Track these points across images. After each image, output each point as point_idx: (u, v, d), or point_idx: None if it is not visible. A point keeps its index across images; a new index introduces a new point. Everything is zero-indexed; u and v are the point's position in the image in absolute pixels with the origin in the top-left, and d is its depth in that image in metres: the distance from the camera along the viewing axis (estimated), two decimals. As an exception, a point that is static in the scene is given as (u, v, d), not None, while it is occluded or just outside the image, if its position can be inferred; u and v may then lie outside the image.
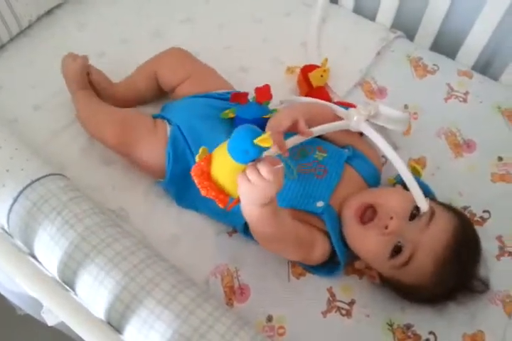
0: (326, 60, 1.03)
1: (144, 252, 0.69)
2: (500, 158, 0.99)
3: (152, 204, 0.85)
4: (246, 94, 0.88)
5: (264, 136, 0.54)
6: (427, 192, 0.83)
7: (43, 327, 0.71)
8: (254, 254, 0.81)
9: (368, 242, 0.75)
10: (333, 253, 0.79)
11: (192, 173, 0.61)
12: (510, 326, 0.79)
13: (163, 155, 0.82)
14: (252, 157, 0.57)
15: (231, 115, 0.84)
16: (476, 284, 0.79)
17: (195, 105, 0.89)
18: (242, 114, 0.83)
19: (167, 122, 0.87)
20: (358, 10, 1.21)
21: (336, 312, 0.78)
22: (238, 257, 0.81)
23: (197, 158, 0.61)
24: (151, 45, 1.05)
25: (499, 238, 0.89)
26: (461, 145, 1.01)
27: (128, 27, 1.11)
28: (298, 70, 1.04)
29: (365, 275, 0.82)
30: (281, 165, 0.59)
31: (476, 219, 0.90)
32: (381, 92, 1.07)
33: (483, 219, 0.91)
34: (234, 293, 0.77)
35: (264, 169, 0.58)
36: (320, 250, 0.77)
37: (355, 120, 0.85)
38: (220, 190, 0.61)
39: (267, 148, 0.55)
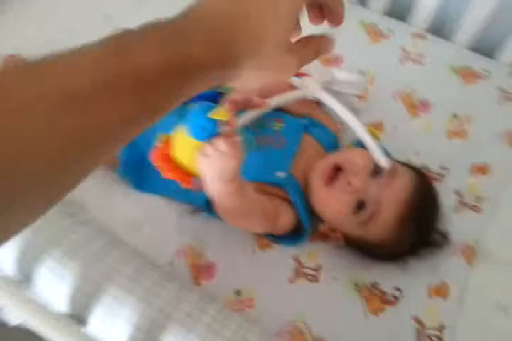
0: None
1: (101, 240, 0.65)
2: (455, 115, 0.96)
3: (109, 191, 0.80)
4: None
5: (219, 109, 0.52)
6: (385, 154, 0.79)
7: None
8: (218, 231, 0.78)
9: (333, 201, 0.73)
10: (297, 222, 0.75)
11: (152, 158, 0.57)
12: (470, 274, 0.78)
13: None
14: (210, 132, 0.53)
15: None
16: (437, 238, 0.78)
17: None
18: None
19: None
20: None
21: (303, 278, 0.76)
22: (202, 236, 0.77)
23: (157, 144, 0.57)
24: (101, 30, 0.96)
25: (457, 192, 0.87)
26: (417, 106, 0.98)
27: (73, 12, 1.00)
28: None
29: (328, 240, 0.79)
30: (238, 137, 0.56)
31: (434, 175, 0.89)
32: (337, 60, 1.03)
33: (441, 175, 0.89)
34: (200, 271, 0.74)
35: (219, 142, 0.54)
36: (285, 219, 0.75)
37: (311, 88, 0.80)
38: (184, 171, 0.58)
39: (224, 122, 0.52)
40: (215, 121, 0.51)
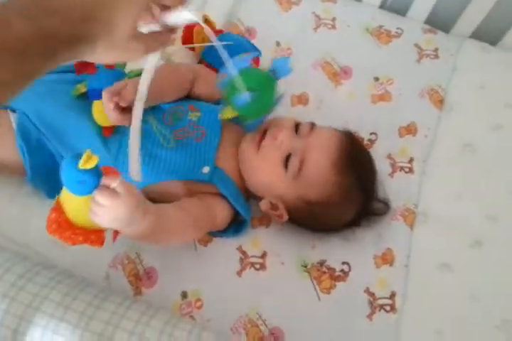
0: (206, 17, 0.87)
1: (22, 265, 0.58)
2: (376, 79, 0.96)
3: (23, 206, 0.71)
4: (92, 63, 0.73)
5: (83, 157, 0.46)
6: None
7: None
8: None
9: (264, 163, 0.71)
10: (235, 213, 0.72)
11: (48, 231, 0.52)
12: (413, 237, 0.79)
13: (13, 148, 0.68)
14: (88, 185, 0.48)
15: (83, 90, 0.70)
16: (377, 207, 0.78)
17: (41, 85, 0.71)
18: (94, 84, 0.69)
19: (10, 111, 0.71)
20: None
21: (250, 268, 0.73)
22: (137, 241, 0.71)
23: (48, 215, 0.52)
24: None
25: (389, 156, 0.87)
26: (339, 73, 0.95)
27: None
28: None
29: (272, 223, 0.77)
30: (117, 181, 0.49)
31: (365, 142, 0.88)
32: (250, 33, 0.98)
33: (372, 141, 0.88)
34: (140, 279, 0.68)
35: (98, 197, 0.49)
36: (222, 216, 0.70)
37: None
38: (87, 232, 0.52)
39: (95, 168, 0.46)
40: (86, 172, 0.46)
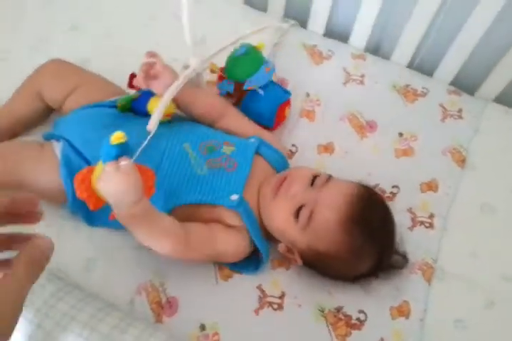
0: None
1: (54, 284, 0.63)
2: (400, 134, 1.03)
3: (57, 230, 0.78)
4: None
5: (115, 134, 0.60)
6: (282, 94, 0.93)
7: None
8: (177, 264, 0.77)
9: (277, 210, 0.76)
10: (256, 250, 0.77)
11: (75, 178, 0.64)
12: (430, 292, 0.83)
13: (56, 177, 0.75)
14: (109, 156, 0.62)
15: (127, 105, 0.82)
16: (396, 259, 0.81)
17: (87, 116, 0.82)
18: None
19: (55, 140, 0.80)
20: (248, 1, 1.19)
21: (268, 307, 0.77)
22: (161, 269, 0.77)
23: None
24: (32, 59, 0.95)
25: (410, 210, 0.92)
26: (365, 127, 1.03)
27: (3, 41, 1.01)
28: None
29: (291, 265, 0.82)
30: (127, 161, 0.62)
31: (386, 195, 0.93)
32: (282, 82, 1.07)
33: (393, 194, 0.94)
34: (162, 307, 0.73)
35: (107, 165, 0.61)
36: (235, 248, 0.76)
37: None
38: (94, 194, 0.64)
39: (124, 143, 0.61)
40: (116, 146, 0.60)
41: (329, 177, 0.79)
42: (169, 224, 0.70)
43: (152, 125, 0.72)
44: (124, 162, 0.61)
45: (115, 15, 1.10)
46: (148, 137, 0.69)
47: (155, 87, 0.79)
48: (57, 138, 0.80)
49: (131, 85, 0.85)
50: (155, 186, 0.67)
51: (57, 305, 0.59)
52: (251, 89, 0.90)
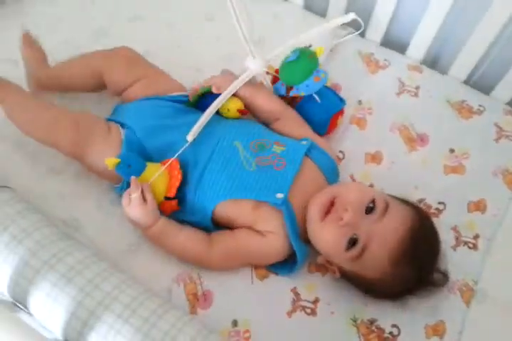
0: None
1: (99, 265, 0.66)
2: (452, 150, 1.02)
3: (106, 213, 0.82)
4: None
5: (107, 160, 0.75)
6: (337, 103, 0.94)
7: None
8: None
9: (325, 235, 0.76)
10: (293, 253, 0.79)
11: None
12: (468, 314, 0.82)
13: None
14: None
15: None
16: (436, 277, 0.81)
17: (150, 107, 0.86)
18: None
19: (120, 126, 0.84)
20: (308, 6, 1.20)
21: (300, 311, 0.78)
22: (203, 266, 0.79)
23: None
24: (97, 45, 1.00)
25: (454, 228, 0.91)
26: (415, 140, 1.02)
27: (71, 27, 1.06)
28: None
29: (327, 272, 0.82)
30: (136, 194, 0.74)
31: (431, 211, 0.93)
32: (335, 88, 1.07)
33: (439, 211, 0.93)
34: (197, 299, 0.75)
35: (123, 197, 0.76)
36: (269, 251, 0.78)
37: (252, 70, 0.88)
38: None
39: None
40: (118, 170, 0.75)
41: (386, 207, 0.76)
42: (184, 239, 0.78)
43: (191, 136, 0.78)
44: (134, 195, 0.73)
45: (177, 8, 1.14)
46: (185, 146, 0.77)
47: (213, 82, 0.86)
48: (121, 124, 0.84)
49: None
50: (181, 173, 0.76)
51: (100, 285, 0.62)
52: (303, 95, 0.92)
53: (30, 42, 0.91)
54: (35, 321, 0.64)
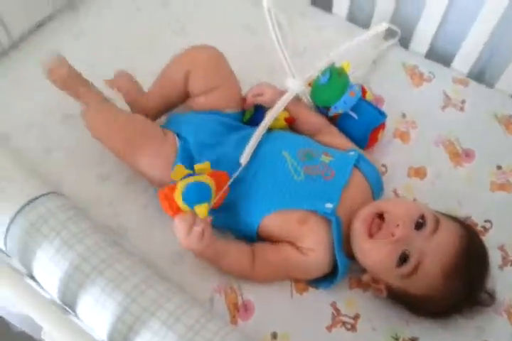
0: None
1: (145, 272, 0.69)
2: (499, 167, 1.01)
3: (152, 220, 0.85)
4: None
5: (202, 206, 0.73)
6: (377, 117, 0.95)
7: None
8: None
9: (375, 252, 0.76)
10: (334, 263, 0.80)
11: (158, 195, 0.75)
12: (515, 337, 0.80)
13: (168, 167, 0.80)
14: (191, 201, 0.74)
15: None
16: (483, 297, 0.80)
17: (210, 123, 0.88)
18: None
19: (176, 135, 0.87)
20: (351, 18, 1.22)
21: (341, 326, 0.78)
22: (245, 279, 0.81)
23: (171, 175, 0.74)
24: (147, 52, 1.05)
25: (501, 247, 0.90)
26: (460, 155, 1.02)
27: (118, 39, 1.11)
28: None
29: (369, 289, 0.82)
30: (198, 228, 0.72)
31: (478, 228, 0.91)
32: (378, 101, 1.08)
33: (485, 229, 0.92)
34: (238, 310, 0.77)
35: (176, 222, 0.74)
36: (312, 266, 0.79)
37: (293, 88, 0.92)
38: (175, 207, 0.75)
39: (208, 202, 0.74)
40: (193, 193, 0.72)
41: (437, 222, 0.76)
42: (232, 260, 0.79)
43: (245, 158, 0.81)
44: (196, 228, 0.72)
45: (215, 21, 1.17)
46: (240, 169, 0.79)
47: (261, 101, 0.92)
48: (177, 133, 0.87)
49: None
50: (228, 188, 0.76)
51: (146, 292, 0.65)
52: (341, 113, 0.93)
53: (126, 76, 0.92)
54: (84, 324, 0.67)
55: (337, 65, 0.95)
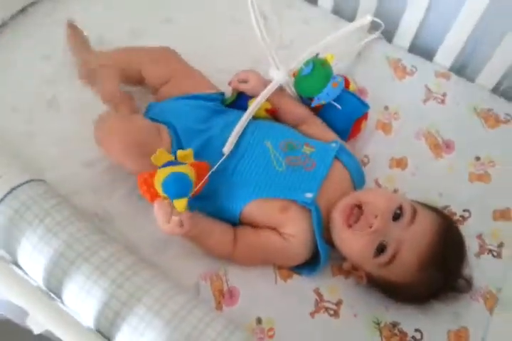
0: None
1: (130, 258, 0.70)
2: (477, 158, 1.03)
3: (137, 207, 0.85)
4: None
5: (181, 200, 0.71)
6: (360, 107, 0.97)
7: (26, 333, 0.71)
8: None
9: (354, 242, 0.78)
10: (316, 251, 0.82)
11: (138, 179, 0.74)
12: (491, 321, 0.83)
13: None
14: (171, 193, 0.73)
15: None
16: (460, 283, 0.83)
17: (188, 108, 0.90)
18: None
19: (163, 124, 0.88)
20: (336, 11, 1.23)
21: (323, 312, 0.80)
22: (227, 261, 0.82)
23: (152, 159, 0.72)
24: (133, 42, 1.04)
25: (479, 236, 0.93)
26: (441, 146, 1.04)
27: (106, 26, 1.10)
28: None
29: (351, 276, 0.85)
30: (176, 218, 0.72)
31: (456, 218, 0.94)
32: (361, 93, 1.10)
33: (464, 218, 0.95)
34: (223, 296, 0.79)
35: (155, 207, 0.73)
36: (293, 252, 0.81)
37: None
38: (153, 192, 0.74)
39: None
40: (172, 185, 0.71)
41: (414, 213, 0.78)
42: (216, 241, 0.80)
43: (227, 148, 0.81)
44: (174, 217, 0.72)
45: (204, 11, 1.17)
46: (221, 160, 0.79)
47: (245, 89, 0.93)
48: (163, 123, 0.88)
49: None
50: (208, 178, 0.76)
51: (132, 278, 0.65)
52: (324, 104, 0.95)
53: (75, 30, 1.00)
54: (70, 310, 0.67)
55: (321, 57, 0.96)
